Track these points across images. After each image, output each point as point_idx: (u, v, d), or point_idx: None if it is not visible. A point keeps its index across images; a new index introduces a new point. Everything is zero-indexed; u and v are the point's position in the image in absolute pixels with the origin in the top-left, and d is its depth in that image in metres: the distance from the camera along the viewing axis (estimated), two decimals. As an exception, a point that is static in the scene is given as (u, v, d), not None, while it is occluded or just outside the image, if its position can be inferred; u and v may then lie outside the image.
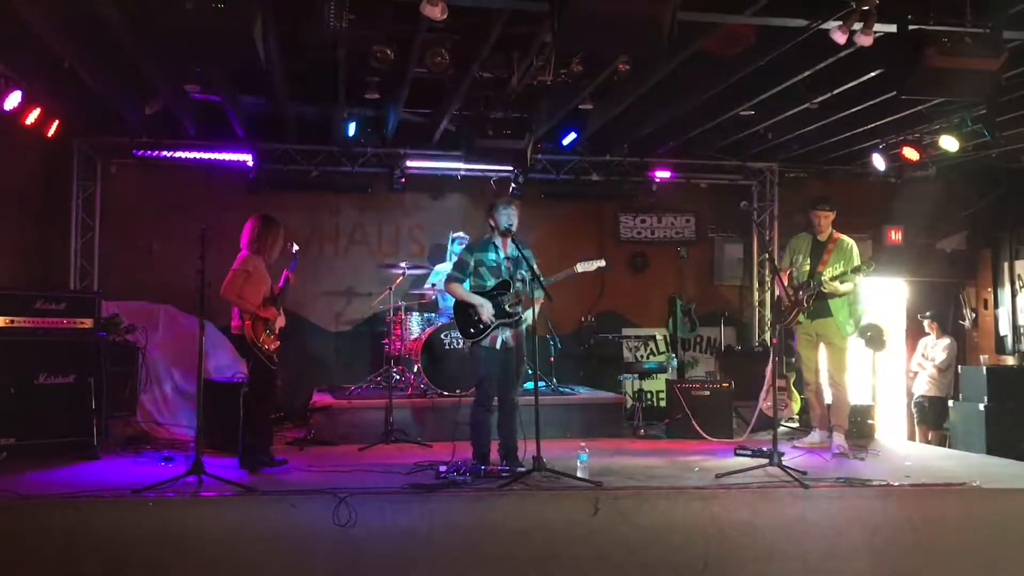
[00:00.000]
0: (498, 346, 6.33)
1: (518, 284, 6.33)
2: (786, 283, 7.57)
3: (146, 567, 4.95)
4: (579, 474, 5.92)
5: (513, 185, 10.29)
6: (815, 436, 7.77)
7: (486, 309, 6.27)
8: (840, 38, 5.88)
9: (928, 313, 10.79)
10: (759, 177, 11.16)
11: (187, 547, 5.00)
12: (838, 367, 7.55)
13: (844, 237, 7.55)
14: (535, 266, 6.23)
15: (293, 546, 5.11)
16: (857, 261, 7.37)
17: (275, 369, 6.39)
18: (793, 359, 8.22)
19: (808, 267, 7.51)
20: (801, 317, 7.51)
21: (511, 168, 10.00)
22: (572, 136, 9.70)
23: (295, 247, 6.78)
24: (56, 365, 6.92)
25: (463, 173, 10.36)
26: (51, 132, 8.36)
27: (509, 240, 6.38)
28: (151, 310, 8.86)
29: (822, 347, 7.64)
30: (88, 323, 7.20)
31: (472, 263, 6.43)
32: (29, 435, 6.68)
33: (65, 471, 6.22)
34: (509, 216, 6.32)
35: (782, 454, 6.33)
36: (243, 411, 6.49)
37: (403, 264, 9.05)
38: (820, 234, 7.59)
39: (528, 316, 6.33)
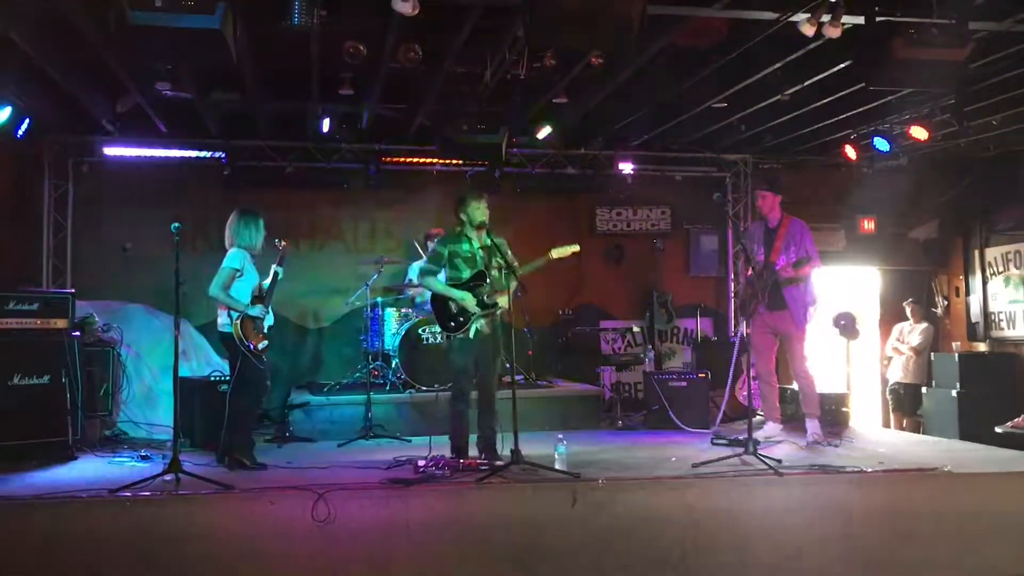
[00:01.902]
0: (472, 335, 6.35)
1: (494, 272, 6.35)
2: (749, 273, 7.55)
3: (125, 567, 4.94)
4: (557, 466, 5.95)
5: (490, 179, 10.29)
6: (768, 429, 7.65)
7: (469, 301, 6.29)
8: (809, 30, 5.95)
9: (912, 299, 10.93)
10: (733, 169, 11.24)
11: (165, 546, 4.98)
12: (798, 358, 7.52)
13: (795, 221, 7.43)
14: (508, 253, 6.25)
15: (272, 543, 5.10)
16: (811, 246, 7.26)
17: (263, 368, 6.37)
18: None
19: (763, 256, 7.42)
20: (761, 308, 7.49)
21: (486, 162, 9.99)
22: (547, 130, 9.71)
23: (283, 243, 6.70)
24: (30, 366, 6.85)
25: (438, 168, 10.35)
26: (21, 131, 8.28)
27: (482, 233, 6.41)
28: (126, 309, 8.81)
29: (781, 339, 7.64)
30: (62, 323, 7.13)
31: (446, 255, 6.46)
32: (4, 436, 6.58)
33: (41, 472, 6.19)
34: (480, 210, 6.36)
35: (758, 442, 6.40)
36: (228, 409, 6.44)
37: (380, 259, 9.04)
38: (769, 220, 7.52)
39: (503, 301, 6.36)
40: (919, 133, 8.94)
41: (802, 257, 7.20)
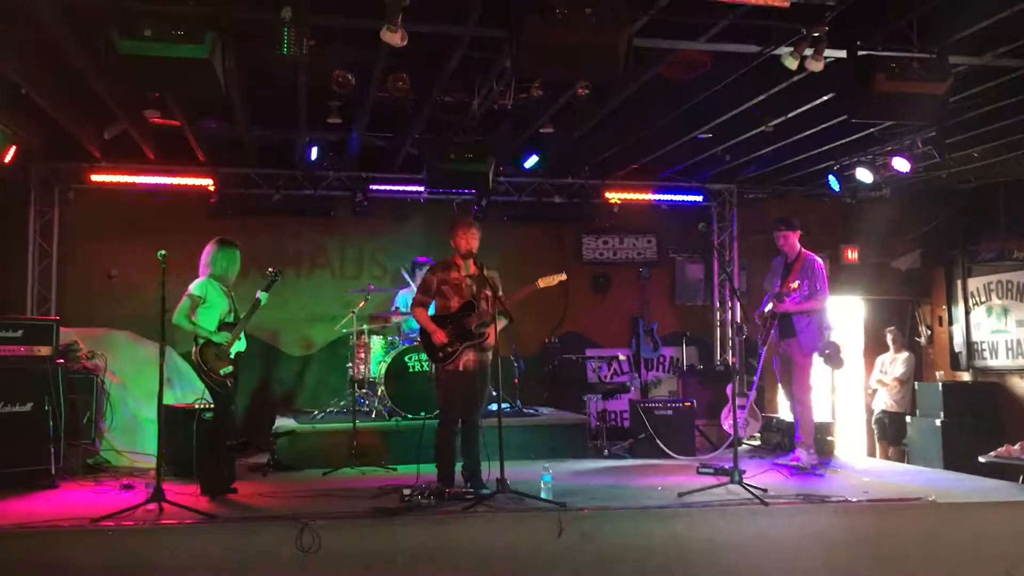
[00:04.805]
0: (461, 368, 6.36)
1: (482, 304, 6.37)
2: (768, 305, 7.72)
3: (106, 597, 4.89)
4: (543, 495, 5.94)
5: (476, 208, 10.34)
6: (805, 456, 7.60)
7: (437, 336, 6.31)
8: (792, 64, 6.03)
9: (892, 327, 11.00)
10: (718, 198, 11.32)
11: (148, 576, 4.95)
12: (802, 386, 7.65)
13: (811, 256, 7.65)
14: (500, 288, 6.29)
15: (257, 573, 5.06)
16: (821, 282, 7.50)
17: (225, 393, 6.36)
18: (754, 377, 8.34)
19: (778, 288, 7.63)
20: (773, 337, 7.64)
21: (474, 191, 10.04)
22: (534, 159, 9.79)
23: (272, 271, 6.70)
24: (13, 393, 6.83)
25: (426, 196, 10.38)
26: (7, 158, 8.27)
27: (472, 261, 6.44)
28: (111, 336, 8.77)
29: (789, 366, 7.72)
30: (46, 350, 7.12)
31: (435, 283, 6.47)
32: (-15, 465, 6.56)
33: (23, 500, 6.13)
34: (470, 238, 6.39)
35: (743, 472, 6.40)
36: (201, 437, 6.42)
37: (366, 287, 9.04)
38: (788, 255, 7.72)
39: (491, 333, 6.38)
40: (901, 165, 9.05)
41: (780, 292, 7.45)
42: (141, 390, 8.32)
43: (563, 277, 6.63)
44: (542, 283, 6.55)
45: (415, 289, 8.50)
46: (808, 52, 5.95)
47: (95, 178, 9.53)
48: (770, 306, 7.65)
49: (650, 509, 5.82)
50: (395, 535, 5.28)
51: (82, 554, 4.97)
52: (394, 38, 5.39)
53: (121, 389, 8.25)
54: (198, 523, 5.32)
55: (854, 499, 6.07)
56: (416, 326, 7.39)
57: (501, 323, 6.29)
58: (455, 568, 5.24)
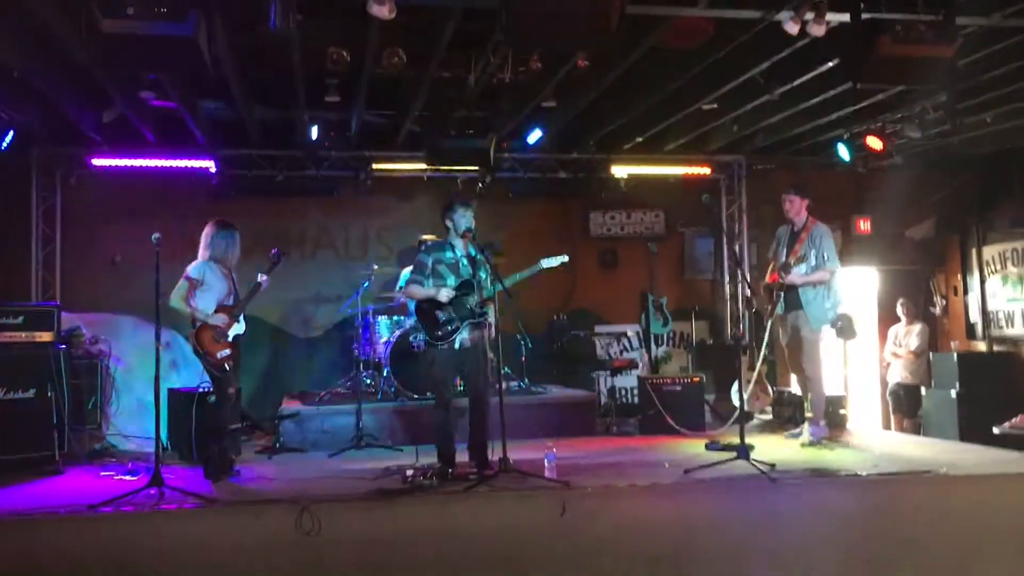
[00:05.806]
0: (456, 346, 6.29)
1: (481, 283, 6.29)
2: (768, 274, 7.59)
3: (106, 583, 4.87)
4: (547, 474, 5.89)
5: (480, 185, 10.23)
6: (816, 430, 7.49)
7: (443, 292, 6.23)
8: (793, 28, 5.87)
9: (903, 299, 10.84)
10: (727, 170, 11.16)
11: (146, 562, 4.90)
12: (811, 359, 7.50)
13: (818, 225, 7.47)
14: (492, 265, 6.22)
15: (257, 557, 5.02)
16: (829, 251, 7.33)
17: (223, 377, 6.30)
18: (765, 351, 8.22)
19: (783, 258, 7.47)
20: (779, 309, 7.49)
21: (477, 168, 9.92)
22: (537, 134, 9.64)
23: (274, 252, 6.60)
24: (15, 380, 6.82)
25: (429, 174, 10.28)
26: (5, 143, 8.23)
27: (468, 241, 6.36)
28: (114, 321, 8.74)
29: (797, 339, 7.60)
30: (47, 336, 7.09)
31: (430, 263, 6.39)
32: (-10, 452, 6.55)
33: (26, 487, 6.11)
34: (466, 217, 6.30)
35: (751, 447, 6.30)
36: (202, 421, 6.39)
37: (371, 267, 8.97)
38: (794, 223, 7.56)
39: (491, 312, 6.31)
40: (874, 143, 8.89)
41: (787, 262, 7.30)
42: (147, 374, 8.25)
43: (565, 259, 6.62)
44: (545, 263, 6.54)
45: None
46: (809, 16, 5.79)
47: (96, 162, 9.47)
48: (775, 277, 7.48)
49: (656, 486, 5.74)
50: (397, 516, 5.23)
51: (80, 540, 4.95)
52: (382, 11, 5.28)
53: (127, 374, 8.22)
54: (197, 507, 5.29)
55: (864, 473, 5.96)
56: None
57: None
58: (457, 549, 5.18)
